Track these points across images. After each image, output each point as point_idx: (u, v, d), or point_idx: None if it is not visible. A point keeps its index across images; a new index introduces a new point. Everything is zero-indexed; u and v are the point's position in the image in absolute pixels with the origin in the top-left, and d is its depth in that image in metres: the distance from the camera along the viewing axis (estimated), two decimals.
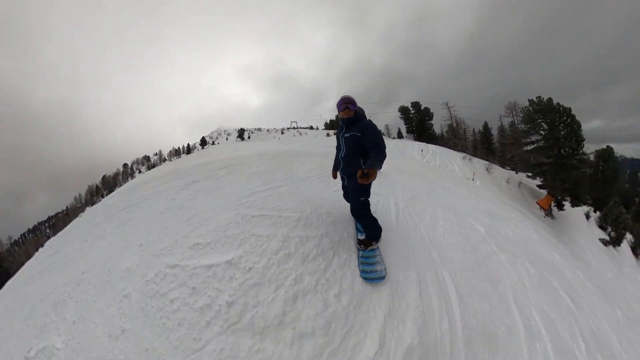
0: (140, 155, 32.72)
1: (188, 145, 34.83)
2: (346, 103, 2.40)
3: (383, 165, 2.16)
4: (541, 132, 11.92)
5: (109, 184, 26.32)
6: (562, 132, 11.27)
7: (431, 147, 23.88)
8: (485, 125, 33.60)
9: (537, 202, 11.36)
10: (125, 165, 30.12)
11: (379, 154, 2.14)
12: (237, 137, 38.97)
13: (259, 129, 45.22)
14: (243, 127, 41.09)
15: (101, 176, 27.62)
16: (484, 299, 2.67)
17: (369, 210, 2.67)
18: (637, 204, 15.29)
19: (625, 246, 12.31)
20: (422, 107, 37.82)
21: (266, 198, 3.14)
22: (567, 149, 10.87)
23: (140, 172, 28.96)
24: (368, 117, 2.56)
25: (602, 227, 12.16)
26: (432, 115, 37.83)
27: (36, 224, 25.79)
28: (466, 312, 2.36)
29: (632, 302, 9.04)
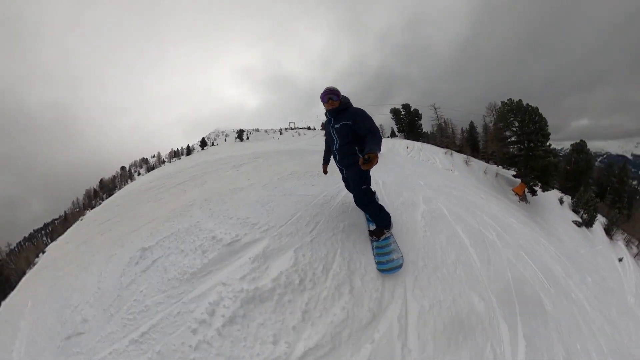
0: (137, 158, 32.70)
1: (188, 146, 34.74)
2: (329, 94, 2.31)
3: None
4: (513, 128, 12.89)
5: (108, 187, 26.22)
6: (531, 128, 12.28)
7: (417, 144, 24.68)
8: (471, 124, 34.78)
9: (512, 190, 12.13)
10: (122, 168, 30.04)
11: (376, 137, 2.07)
12: (237, 137, 38.62)
13: (257, 130, 44.75)
14: (242, 128, 40.74)
15: (99, 180, 27.69)
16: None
17: (373, 197, 2.57)
18: (609, 192, 16.10)
19: (598, 227, 12.92)
20: (412, 109, 39.34)
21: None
22: (535, 142, 11.85)
23: (139, 174, 28.89)
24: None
25: (575, 210, 12.79)
26: (421, 116, 39.00)
27: (32, 231, 25.29)
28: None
29: (603, 272, 9.63)
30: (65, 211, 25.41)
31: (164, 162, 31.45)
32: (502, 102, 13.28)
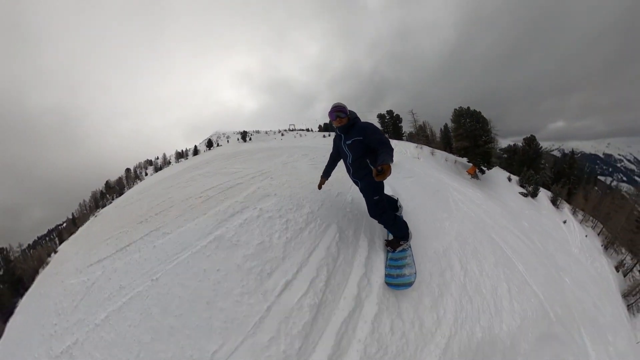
0: (138, 160, 33.05)
1: (195, 147, 35.59)
2: (337, 112, 2.33)
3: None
4: (463, 128, 15.84)
5: (115, 189, 26.76)
6: (476, 126, 15.32)
7: (396, 141, 27.76)
8: (445, 126, 38.76)
9: (467, 171, 14.55)
10: (127, 169, 30.28)
11: (387, 149, 2.07)
12: (240, 138, 39.43)
13: (257, 132, 44.72)
14: (245, 130, 41.41)
15: (104, 182, 28.21)
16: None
17: (386, 208, 2.48)
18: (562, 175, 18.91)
19: (543, 198, 15.23)
20: (395, 114, 44.36)
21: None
22: (479, 136, 14.90)
23: (146, 174, 29.29)
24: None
25: (522, 186, 15.16)
26: (402, 120, 43.39)
27: (36, 238, 25.11)
28: None
29: (547, 229, 11.75)
30: (72, 213, 25.60)
31: (169, 162, 31.11)
32: (454, 109, 16.29)
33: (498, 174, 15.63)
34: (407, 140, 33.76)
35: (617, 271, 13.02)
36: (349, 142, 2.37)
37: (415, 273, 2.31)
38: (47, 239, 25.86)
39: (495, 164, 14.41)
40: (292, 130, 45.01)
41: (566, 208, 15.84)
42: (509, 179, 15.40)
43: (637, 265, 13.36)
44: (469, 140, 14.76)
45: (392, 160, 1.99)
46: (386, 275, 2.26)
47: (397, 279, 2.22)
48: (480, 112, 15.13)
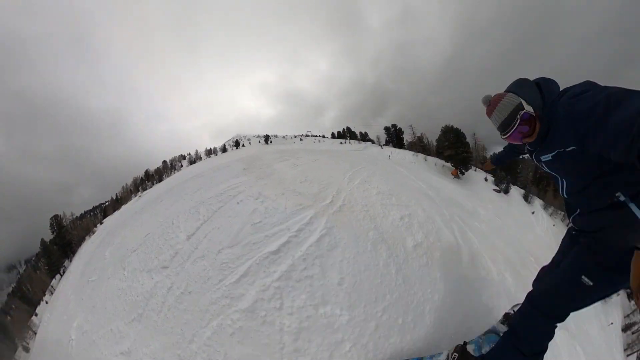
0: (172, 155, 37.39)
1: (224, 145, 40.19)
2: (512, 116, 1.02)
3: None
4: (448, 140, 20.45)
5: (153, 176, 30.42)
6: (457, 139, 19.95)
7: (398, 150, 32.11)
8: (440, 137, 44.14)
9: (451, 173, 18.60)
10: (164, 161, 34.31)
11: None
12: (264, 141, 42.99)
13: (275, 136, 47.55)
14: (267, 134, 44.31)
15: (144, 171, 32.02)
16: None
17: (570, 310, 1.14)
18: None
19: (515, 194, 18.83)
20: (398, 127, 49.84)
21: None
22: (458, 147, 19.43)
23: (181, 166, 33.48)
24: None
25: (497, 184, 19.00)
26: (403, 132, 48.59)
27: (82, 212, 28.07)
28: None
29: (515, 216, 15.41)
30: (116, 194, 29.18)
31: (201, 158, 35.53)
32: (441, 127, 21.42)
33: (478, 175, 19.59)
34: (407, 149, 38.51)
35: None
36: (546, 158, 1.06)
37: None
38: (91, 214, 28.79)
39: (470, 168, 18.64)
40: (308, 136, 47.60)
41: (537, 203, 19.48)
42: (486, 179, 19.27)
43: None
44: (452, 150, 19.15)
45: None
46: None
47: None
48: (460, 129, 19.91)
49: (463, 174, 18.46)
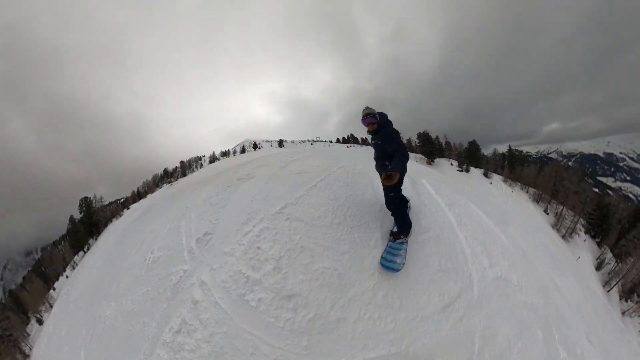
0: (187, 156, 41.29)
1: (243, 147, 44.72)
2: (367, 118, 2.77)
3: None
4: (422, 141, 28.29)
5: (172, 174, 33.85)
6: (427, 140, 27.75)
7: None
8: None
9: (425, 162, 26.11)
10: (182, 161, 37.30)
11: (399, 157, 2.52)
12: (277, 145, 47.51)
13: (285, 141, 51.07)
14: (281, 138, 48.87)
15: (162, 169, 35.51)
16: None
17: (399, 205, 2.94)
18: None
19: (475, 172, 24.33)
20: None
21: None
22: (428, 145, 27.20)
23: (201, 165, 36.89)
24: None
25: (460, 166, 26.35)
26: None
27: (98, 206, 28.54)
28: None
29: (475, 185, 21.26)
30: (137, 187, 32.07)
31: (217, 158, 40.04)
32: (417, 133, 29.20)
33: (445, 162, 26.91)
34: None
35: (547, 213, 19.38)
36: (374, 142, 2.90)
37: (404, 264, 2.78)
38: (105, 208, 30.24)
39: (436, 157, 26.59)
40: (317, 140, 51.60)
41: (496, 178, 26.22)
42: (452, 164, 26.77)
43: (554, 204, 19.96)
44: (424, 147, 27.58)
45: (399, 169, 2.42)
46: (382, 257, 2.79)
47: (390, 263, 2.76)
48: (428, 133, 28.03)
49: (433, 161, 26.20)
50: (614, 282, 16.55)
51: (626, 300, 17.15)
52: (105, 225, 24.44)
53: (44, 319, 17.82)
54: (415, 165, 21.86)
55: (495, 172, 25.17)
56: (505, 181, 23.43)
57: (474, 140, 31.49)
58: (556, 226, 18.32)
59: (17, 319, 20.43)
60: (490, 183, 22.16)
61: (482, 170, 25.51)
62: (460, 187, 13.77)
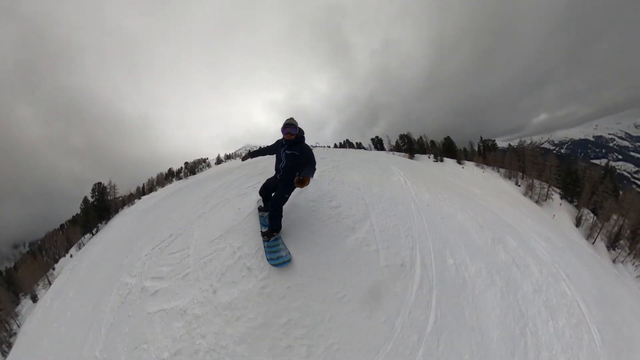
0: (189, 159, 41.02)
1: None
2: (288, 128, 2.98)
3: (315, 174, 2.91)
4: (404, 141, 31.38)
5: (176, 174, 34.64)
6: (411, 140, 30.81)
7: (380, 151, 42.81)
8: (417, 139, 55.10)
9: (407, 157, 28.73)
10: (186, 162, 38.10)
11: (312, 167, 2.85)
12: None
13: None
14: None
15: (167, 169, 36.44)
16: None
17: (280, 210, 3.18)
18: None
19: (449, 161, 27.52)
20: (379, 138, 61.02)
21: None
22: (409, 144, 30.12)
23: (208, 166, 38.51)
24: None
25: (435, 158, 28.94)
26: (382, 141, 59.83)
27: (112, 194, 28.35)
28: None
29: (449, 170, 24.67)
30: (143, 184, 32.66)
31: (222, 161, 41.88)
32: (399, 135, 32.67)
33: (424, 157, 29.97)
34: (386, 150, 49.49)
35: (518, 185, 21.83)
36: (288, 152, 3.07)
37: (289, 253, 2.96)
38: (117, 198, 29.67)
39: (417, 153, 29.33)
40: (316, 146, 58.95)
41: (469, 163, 28.68)
42: (429, 157, 29.39)
43: (525, 180, 22.27)
44: (407, 145, 30.48)
45: (312, 176, 2.67)
46: (268, 259, 2.90)
47: (278, 259, 2.90)
48: (409, 134, 31.74)
49: (414, 157, 28.89)
50: (596, 234, 17.87)
51: (614, 249, 18.11)
52: (116, 212, 25.73)
53: (39, 296, 17.79)
54: (399, 157, 24.39)
55: (467, 159, 27.81)
56: (477, 165, 26.26)
57: (448, 137, 34.81)
58: (527, 194, 20.20)
59: (7, 296, 20.11)
60: (462, 167, 24.91)
61: (454, 160, 27.98)
62: (430, 171, 16.41)
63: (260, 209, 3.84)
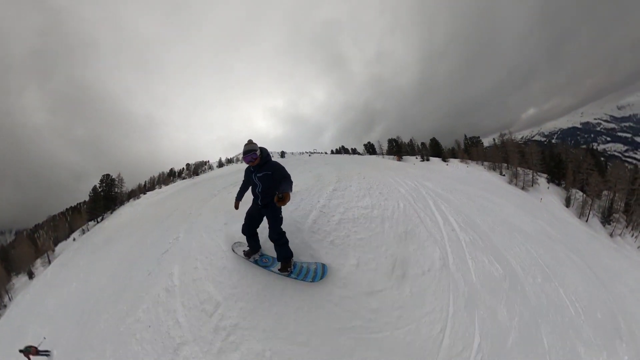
0: (190, 161, 40.83)
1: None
2: (249, 155, 2.83)
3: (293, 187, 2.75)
4: (393, 145, 32.55)
5: (178, 174, 34.84)
6: (395, 143, 32.05)
7: (373, 156, 43.76)
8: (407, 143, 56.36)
9: (396, 159, 29.63)
10: (188, 164, 37.99)
11: (289, 182, 2.71)
12: (280, 156, 48.48)
13: (285, 152, 52.68)
14: (283, 150, 49.96)
15: (165, 169, 36.22)
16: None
17: (285, 235, 2.96)
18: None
19: (435, 160, 28.77)
20: (372, 144, 62.58)
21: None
22: (399, 146, 31.30)
23: (210, 168, 38.26)
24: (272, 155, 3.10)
25: (422, 158, 29.80)
26: (374, 146, 61.52)
27: (120, 187, 29.11)
28: None
29: (438, 169, 25.26)
30: (145, 181, 32.58)
31: (223, 164, 41.22)
32: (388, 140, 34.01)
33: (412, 158, 30.79)
34: (380, 155, 50.63)
35: (503, 175, 22.33)
36: (260, 174, 2.90)
37: (321, 264, 2.86)
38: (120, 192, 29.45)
39: (405, 155, 30.30)
40: (314, 152, 54.67)
41: (453, 160, 29.39)
42: (416, 157, 30.23)
43: (509, 170, 23.06)
44: (396, 149, 31.72)
45: (291, 190, 2.54)
46: (310, 281, 2.74)
47: (317, 275, 2.76)
48: (397, 138, 33.31)
49: (402, 158, 29.75)
50: (587, 211, 17.95)
51: (609, 224, 18.01)
52: (122, 204, 26.65)
53: (35, 273, 18.44)
54: (389, 159, 25.47)
55: (453, 156, 28.70)
56: (462, 161, 27.44)
57: (434, 138, 36.16)
58: (512, 182, 20.52)
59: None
60: (447, 164, 25.95)
61: (439, 158, 29.33)
62: (423, 168, 17.11)
63: (246, 254, 3.30)
